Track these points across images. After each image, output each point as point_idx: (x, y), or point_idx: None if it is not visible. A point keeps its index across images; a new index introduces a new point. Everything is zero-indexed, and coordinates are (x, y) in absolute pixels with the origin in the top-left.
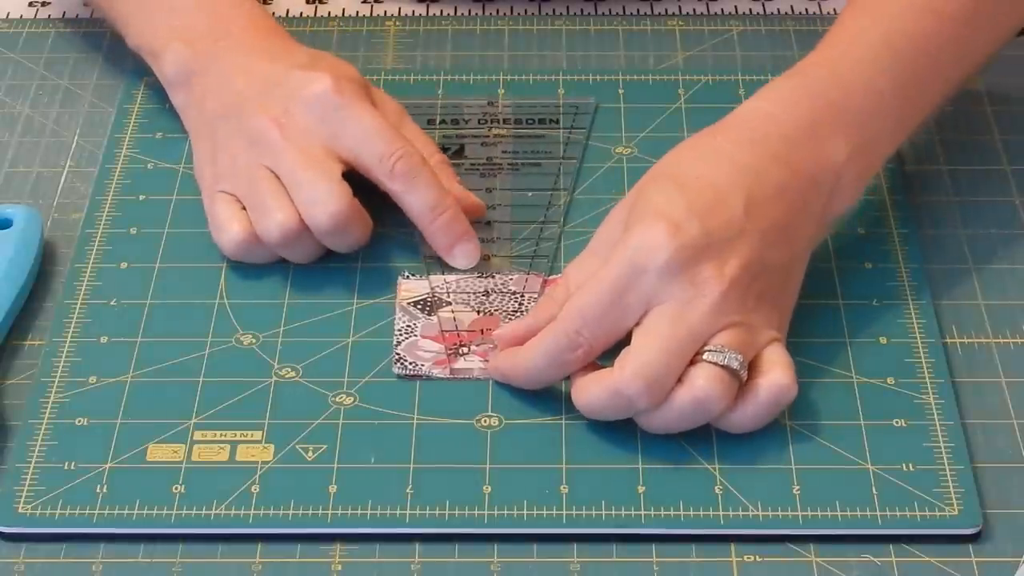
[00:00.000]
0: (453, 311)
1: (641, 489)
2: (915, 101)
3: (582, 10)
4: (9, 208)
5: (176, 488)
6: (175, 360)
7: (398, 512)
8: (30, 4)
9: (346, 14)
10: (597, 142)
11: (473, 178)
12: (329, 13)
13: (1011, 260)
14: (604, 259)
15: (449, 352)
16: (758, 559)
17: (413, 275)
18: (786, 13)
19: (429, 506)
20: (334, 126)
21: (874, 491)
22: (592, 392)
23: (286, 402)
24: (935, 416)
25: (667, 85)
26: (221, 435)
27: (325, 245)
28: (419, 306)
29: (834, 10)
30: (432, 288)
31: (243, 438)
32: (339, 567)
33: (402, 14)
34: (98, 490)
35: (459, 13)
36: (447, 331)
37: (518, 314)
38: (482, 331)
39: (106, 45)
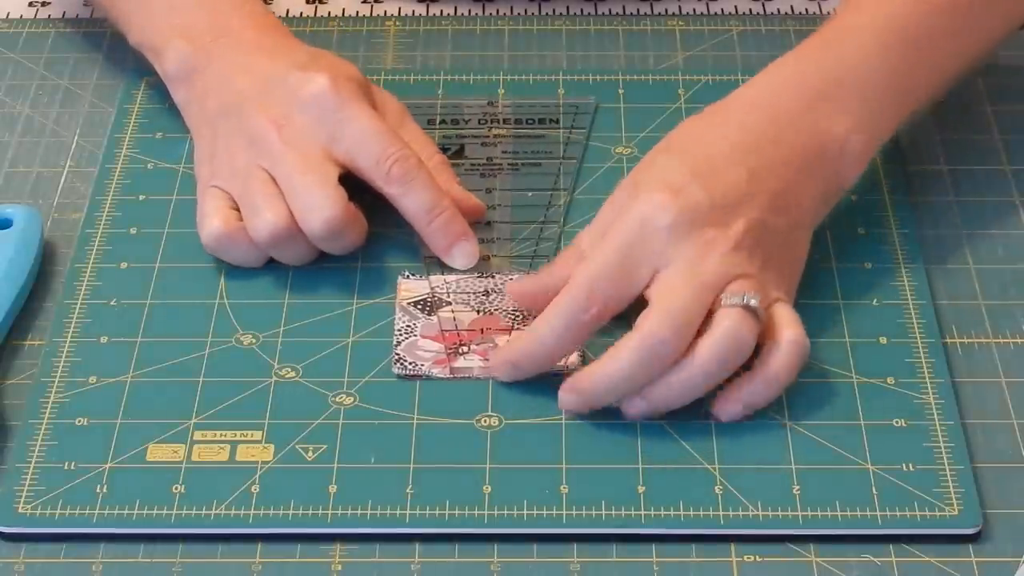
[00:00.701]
0: (453, 311)
1: (641, 489)
2: (918, 75)
3: (582, 10)
4: (9, 208)
5: (176, 488)
6: (175, 360)
7: (398, 512)
8: (30, 4)
9: (346, 14)
10: (597, 142)
11: (473, 178)
12: (329, 13)
13: (1011, 260)
14: (612, 224)
15: (449, 351)
16: (758, 559)
17: (413, 275)
18: (786, 13)
19: (429, 506)
20: (331, 128)
21: (874, 491)
22: (622, 355)
23: (286, 402)
24: (935, 416)
25: (667, 85)
26: (221, 435)
27: (320, 248)
28: (419, 306)
29: (834, 10)
30: (432, 288)
31: (243, 438)
32: (339, 567)
33: (402, 14)
34: (98, 490)
35: (459, 13)
36: (447, 331)
37: (518, 314)
38: (482, 331)
39: (106, 45)
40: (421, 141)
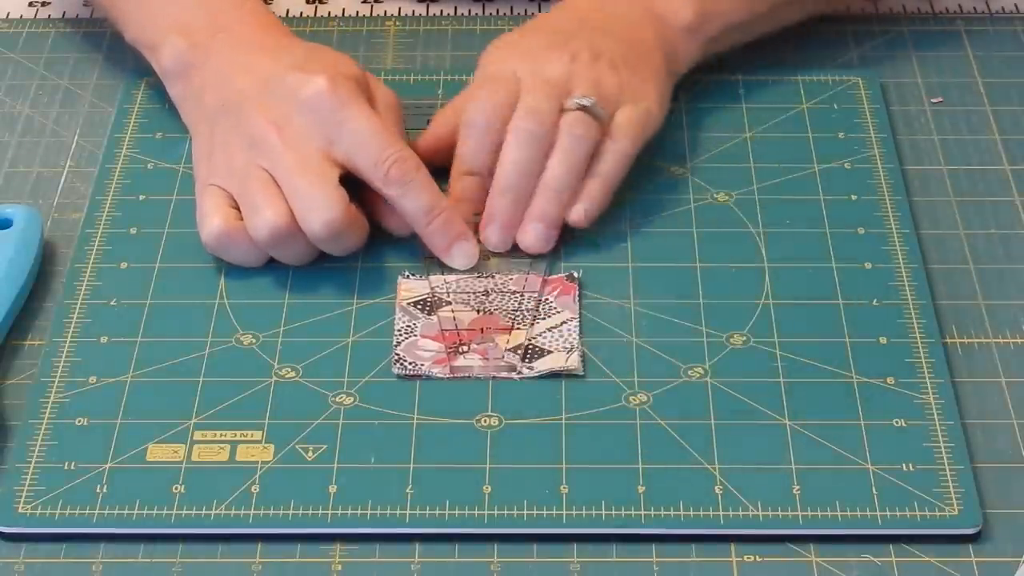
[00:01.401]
0: (453, 311)
1: (641, 489)
2: None
3: None
4: (9, 208)
5: (176, 488)
6: (175, 360)
7: (398, 512)
8: (30, 4)
9: (346, 14)
10: None
11: None
12: (329, 13)
13: (1011, 260)
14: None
15: (449, 351)
16: (758, 559)
17: (413, 275)
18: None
19: (429, 506)
20: (330, 130)
21: (874, 491)
22: (507, 150)
23: (286, 402)
24: (935, 416)
25: None
26: (221, 435)
27: (321, 249)
28: (419, 306)
29: (833, 10)
30: (432, 288)
31: (243, 438)
32: (339, 567)
33: (402, 14)
34: (98, 490)
35: (459, 13)
36: (447, 330)
37: (518, 314)
38: (482, 330)
39: (106, 45)
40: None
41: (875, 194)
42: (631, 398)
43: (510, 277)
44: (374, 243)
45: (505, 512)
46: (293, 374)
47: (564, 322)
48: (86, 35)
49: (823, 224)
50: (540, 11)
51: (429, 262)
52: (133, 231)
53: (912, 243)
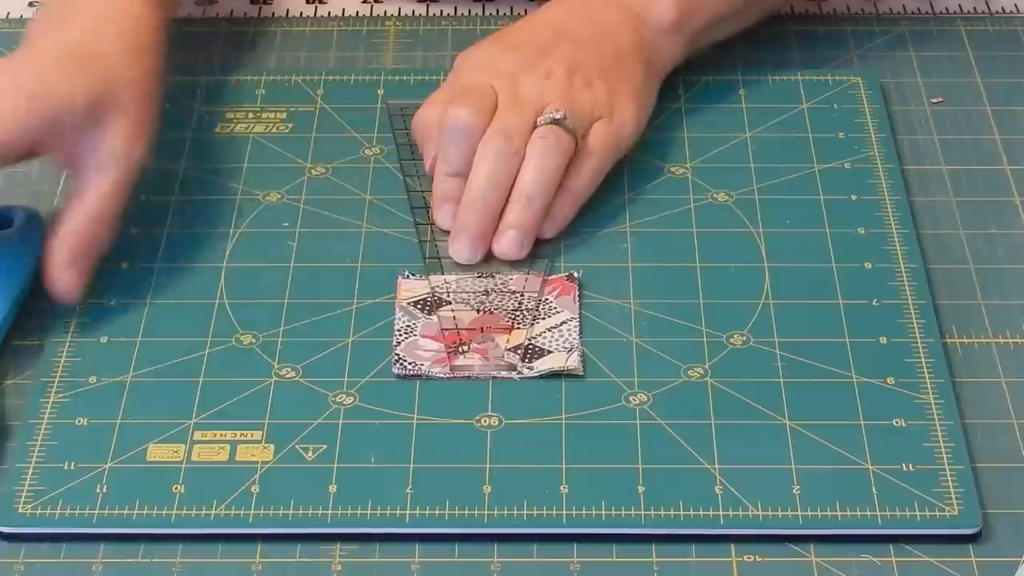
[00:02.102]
0: (453, 310)
1: (641, 489)
2: None
3: None
4: (9, 208)
5: (176, 488)
6: (175, 360)
7: (398, 512)
8: (30, 4)
9: (346, 14)
10: None
11: None
12: (329, 13)
13: (1011, 260)
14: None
15: (449, 351)
16: (758, 559)
17: (413, 275)
18: (786, 13)
19: (429, 506)
20: None
21: (874, 491)
22: (479, 167)
23: (286, 402)
24: (935, 416)
25: (667, 85)
26: (221, 435)
27: None
28: (419, 306)
29: (834, 10)
30: (432, 288)
31: (243, 438)
32: (339, 567)
33: (402, 14)
34: (98, 490)
35: (459, 13)
36: (447, 330)
37: (518, 313)
38: (482, 330)
39: None
40: None
41: (875, 194)
42: (631, 398)
43: (510, 277)
44: (374, 243)
45: (505, 512)
46: (293, 374)
47: (564, 322)
48: None
49: (823, 224)
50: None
51: (429, 262)
52: (133, 231)
53: (912, 243)
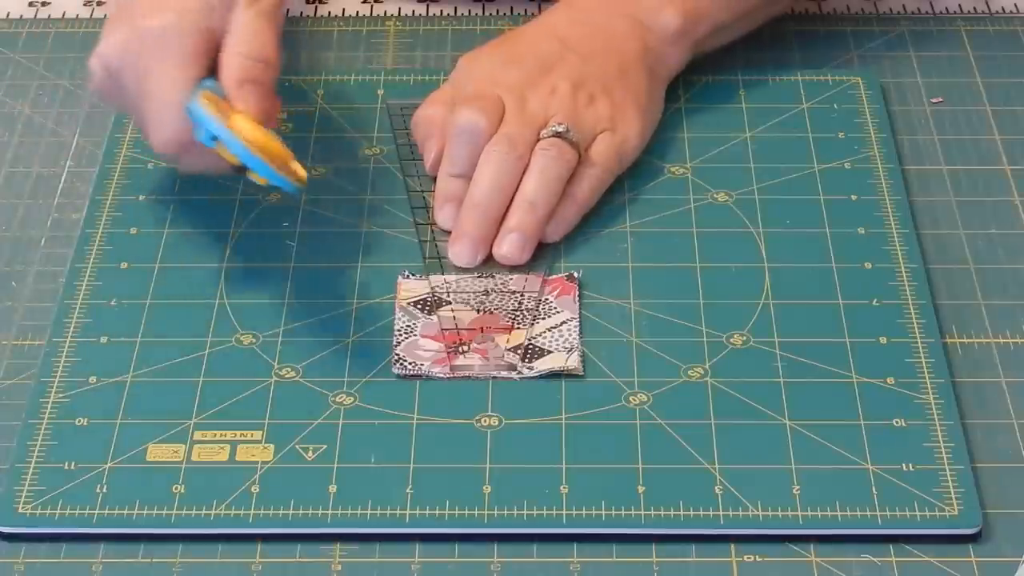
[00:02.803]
0: (453, 310)
1: (641, 489)
2: None
3: None
4: None
5: (176, 488)
6: (175, 360)
7: (398, 512)
8: (30, 4)
9: (346, 14)
10: None
11: None
12: (329, 13)
13: (1011, 260)
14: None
15: (449, 351)
16: (758, 559)
17: (413, 275)
18: (786, 13)
19: (429, 506)
20: None
21: (874, 491)
22: (480, 173)
23: (286, 402)
24: (935, 416)
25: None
26: (221, 435)
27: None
28: (419, 306)
29: (834, 10)
30: (432, 288)
31: (243, 438)
32: (339, 567)
33: (402, 14)
34: (98, 490)
35: (459, 13)
36: (447, 330)
37: (518, 313)
38: (482, 330)
39: None
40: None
41: (875, 194)
42: (631, 398)
43: (510, 277)
44: (374, 243)
45: (505, 512)
46: (293, 374)
47: (564, 322)
48: (86, 35)
49: (823, 224)
50: (540, 11)
51: (429, 262)
52: (133, 231)
53: (912, 243)
